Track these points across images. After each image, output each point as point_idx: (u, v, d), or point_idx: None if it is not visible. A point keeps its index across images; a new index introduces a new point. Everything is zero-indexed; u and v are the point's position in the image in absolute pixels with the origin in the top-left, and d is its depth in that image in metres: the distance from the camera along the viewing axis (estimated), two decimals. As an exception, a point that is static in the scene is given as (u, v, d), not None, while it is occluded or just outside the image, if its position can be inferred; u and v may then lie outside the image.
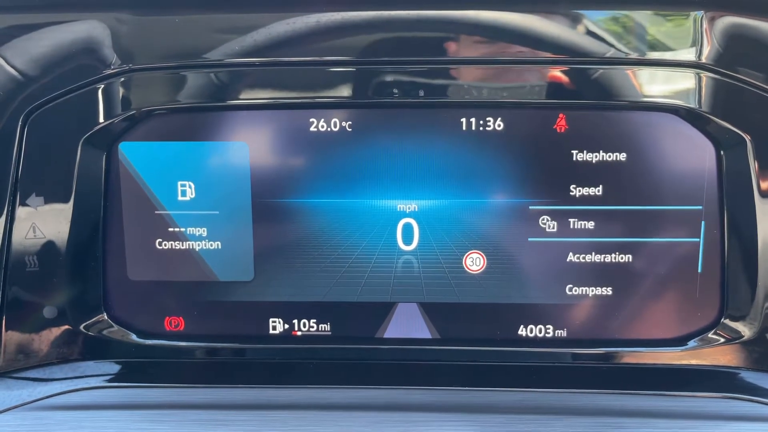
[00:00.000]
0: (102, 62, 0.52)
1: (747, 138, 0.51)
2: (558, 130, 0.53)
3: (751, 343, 0.53)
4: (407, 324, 0.56)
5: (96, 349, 0.56)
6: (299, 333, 0.57)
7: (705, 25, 0.51)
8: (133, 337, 0.56)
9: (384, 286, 0.55)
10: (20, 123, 0.52)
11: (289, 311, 0.56)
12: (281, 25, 0.51)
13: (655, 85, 0.52)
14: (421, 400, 0.53)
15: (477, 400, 0.53)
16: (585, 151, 0.53)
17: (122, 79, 0.52)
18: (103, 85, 0.52)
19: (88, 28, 0.52)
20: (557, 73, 0.52)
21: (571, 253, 0.54)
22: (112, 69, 0.52)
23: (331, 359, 0.57)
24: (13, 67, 0.52)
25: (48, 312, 0.55)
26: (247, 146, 0.54)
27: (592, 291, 0.55)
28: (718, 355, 0.54)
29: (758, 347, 0.53)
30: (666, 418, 0.51)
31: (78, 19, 0.52)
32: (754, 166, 0.51)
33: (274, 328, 0.57)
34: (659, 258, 0.54)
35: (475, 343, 0.56)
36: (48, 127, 0.53)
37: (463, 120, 0.53)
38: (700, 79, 0.51)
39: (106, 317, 0.56)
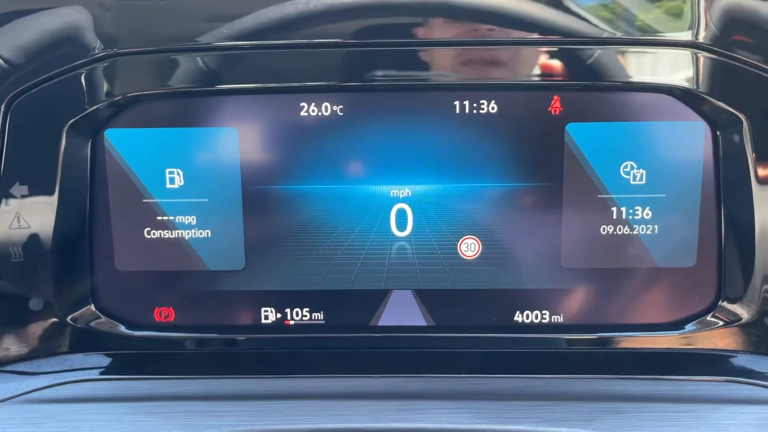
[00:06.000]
0: (86, 47, 0.51)
1: (743, 118, 0.51)
2: (553, 113, 0.52)
3: (749, 326, 0.53)
4: (402, 311, 0.56)
5: (84, 341, 0.55)
6: (292, 322, 0.56)
7: (701, 4, 0.50)
8: (122, 328, 0.56)
9: (378, 274, 0.55)
10: (2, 109, 0.51)
11: (281, 300, 0.56)
12: (271, 8, 0.50)
13: (651, 65, 0.51)
14: (417, 388, 0.53)
15: (473, 388, 0.53)
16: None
17: (106, 63, 0.51)
18: (87, 71, 0.51)
19: (71, 12, 0.51)
20: (552, 54, 0.51)
21: (567, 238, 0.54)
22: (96, 53, 0.51)
23: (325, 348, 0.56)
24: (-5, 52, 0.51)
25: (34, 304, 0.54)
26: (237, 132, 0.53)
27: (589, 274, 0.55)
28: (715, 338, 0.54)
29: (756, 330, 0.53)
30: (664, 402, 0.51)
31: (61, 3, 0.51)
32: (750, 146, 0.51)
33: (267, 317, 0.56)
34: (656, 240, 0.54)
35: (470, 330, 0.56)
36: (31, 113, 0.52)
37: (457, 103, 0.52)
38: (696, 59, 0.51)
39: (93, 308, 0.55)
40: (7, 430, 0.48)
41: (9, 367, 0.55)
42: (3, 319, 0.54)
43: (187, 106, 0.53)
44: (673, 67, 0.51)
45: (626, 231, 0.54)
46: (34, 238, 0.53)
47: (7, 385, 0.53)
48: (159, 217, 0.54)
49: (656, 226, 0.54)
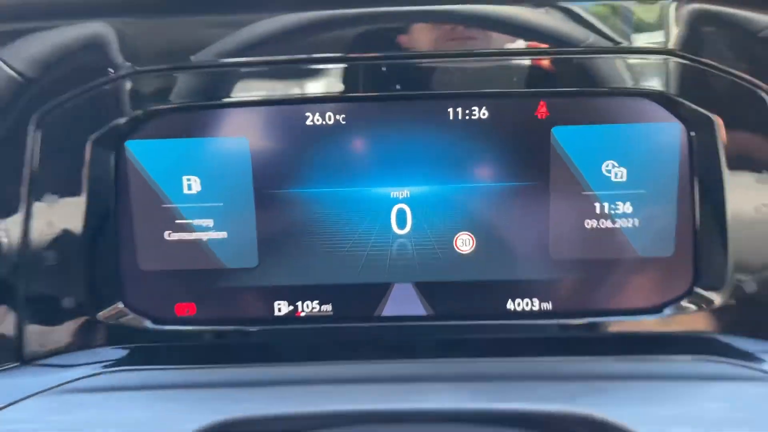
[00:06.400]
0: (108, 64, 0.53)
1: (715, 118, 0.53)
2: (539, 117, 0.55)
3: (721, 310, 0.56)
4: (403, 302, 0.58)
5: (114, 335, 0.58)
6: (303, 314, 0.59)
7: (674, 12, 0.53)
8: (148, 323, 0.58)
9: (381, 268, 0.58)
10: (33, 124, 0.54)
11: (292, 294, 0.59)
12: (278, 26, 0.53)
13: (629, 71, 0.54)
14: (418, 371, 0.55)
15: (470, 370, 0.54)
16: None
17: (127, 80, 0.54)
18: (109, 87, 0.54)
19: (94, 33, 0.53)
20: (537, 63, 0.54)
21: (554, 232, 0.57)
22: (118, 71, 0.53)
23: (334, 337, 0.59)
24: (24, 70, 0.53)
25: (67, 303, 0.57)
26: (247, 141, 0.56)
27: (575, 265, 0.58)
28: (691, 321, 0.57)
29: (728, 313, 0.56)
30: (644, 380, 0.53)
31: (85, 24, 0.53)
32: (722, 144, 0.54)
33: (279, 310, 0.59)
34: (637, 232, 0.57)
35: (466, 318, 0.58)
36: (60, 127, 0.55)
37: (450, 110, 0.55)
38: (671, 66, 0.53)
39: (122, 306, 0.58)
40: (48, 418, 0.51)
41: (46, 361, 0.57)
42: (40, 317, 0.57)
43: (202, 118, 0.56)
44: (651, 73, 0.54)
45: (609, 224, 0.57)
46: (64, 242, 0.56)
47: (46, 377, 0.55)
48: (178, 221, 0.57)
49: (637, 220, 0.56)
